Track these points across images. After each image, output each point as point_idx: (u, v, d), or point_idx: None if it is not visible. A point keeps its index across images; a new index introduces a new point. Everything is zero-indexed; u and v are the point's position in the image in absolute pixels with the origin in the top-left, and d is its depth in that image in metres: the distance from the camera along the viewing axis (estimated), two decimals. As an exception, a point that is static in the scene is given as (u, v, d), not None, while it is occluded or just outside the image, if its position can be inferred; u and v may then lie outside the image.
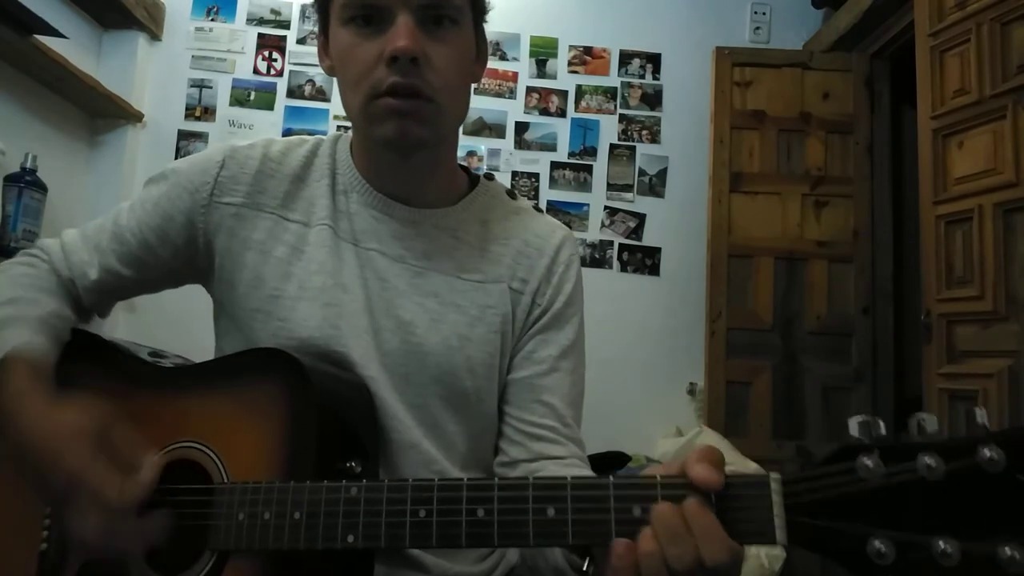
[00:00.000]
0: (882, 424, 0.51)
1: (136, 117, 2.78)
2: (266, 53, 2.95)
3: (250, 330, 0.84)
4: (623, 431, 2.67)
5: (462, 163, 0.98)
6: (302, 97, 2.94)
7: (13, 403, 0.71)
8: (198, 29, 2.95)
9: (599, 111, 3.00)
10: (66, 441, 0.67)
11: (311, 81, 2.94)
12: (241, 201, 0.86)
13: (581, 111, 2.99)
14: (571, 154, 2.97)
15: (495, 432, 0.89)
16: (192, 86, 2.92)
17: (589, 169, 2.96)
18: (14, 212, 2.15)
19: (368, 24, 0.78)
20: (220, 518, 0.68)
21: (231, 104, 2.92)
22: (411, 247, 0.86)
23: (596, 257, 2.91)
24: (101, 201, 2.64)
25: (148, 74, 2.88)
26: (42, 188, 2.24)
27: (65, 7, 2.51)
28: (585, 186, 2.96)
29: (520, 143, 2.96)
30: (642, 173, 2.97)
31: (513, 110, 2.97)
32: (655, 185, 2.97)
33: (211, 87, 2.92)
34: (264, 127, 2.89)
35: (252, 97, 2.93)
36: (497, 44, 2.96)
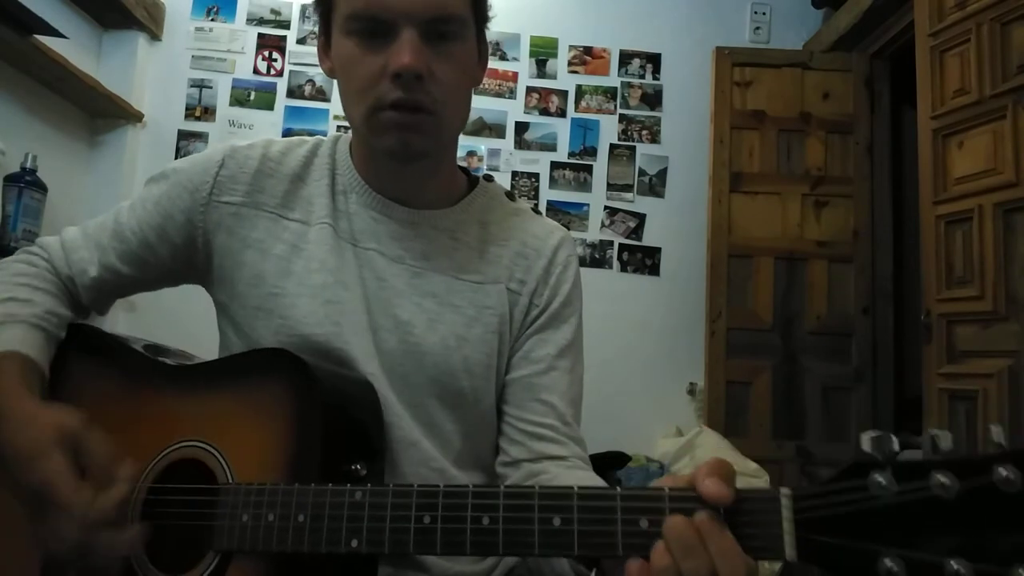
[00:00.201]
0: (895, 440, 0.50)
1: (136, 117, 2.78)
2: (266, 53, 2.95)
3: (251, 328, 0.84)
4: (623, 431, 2.67)
5: (461, 163, 0.99)
6: (302, 97, 2.94)
7: (1, 400, 0.72)
8: (198, 29, 2.95)
9: (599, 111, 3.00)
10: (42, 448, 0.67)
11: (311, 81, 2.94)
12: (240, 200, 0.87)
13: (581, 111, 2.99)
14: (571, 154, 2.97)
15: (493, 431, 0.89)
16: (192, 86, 2.92)
17: (589, 169, 2.96)
18: (14, 212, 2.15)
19: (372, 37, 0.77)
20: (224, 519, 0.68)
21: (231, 104, 2.92)
22: (410, 248, 0.87)
23: (596, 257, 2.91)
24: (101, 201, 2.64)
25: (148, 74, 2.87)
26: (42, 188, 2.24)
27: (65, 7, 2.51)
28: (585, 186, 2.96)
29: (520, 143, 2.96)
30: (642, 173, 2.97)
31: (513, 110, 2.97)
32: (655, 185, 2.97)
33: (211, 87, 2.92)
34: (264, 127, 2.89)
35: (252, 97, 2.93)
36: (497, 44, 2.96)
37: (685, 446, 2.49)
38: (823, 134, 2.77)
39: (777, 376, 2.66)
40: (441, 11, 0.77)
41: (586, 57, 3.02)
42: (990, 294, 1.75)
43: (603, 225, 2.94)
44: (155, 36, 2.89)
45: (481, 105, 2.92)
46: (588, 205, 2.94)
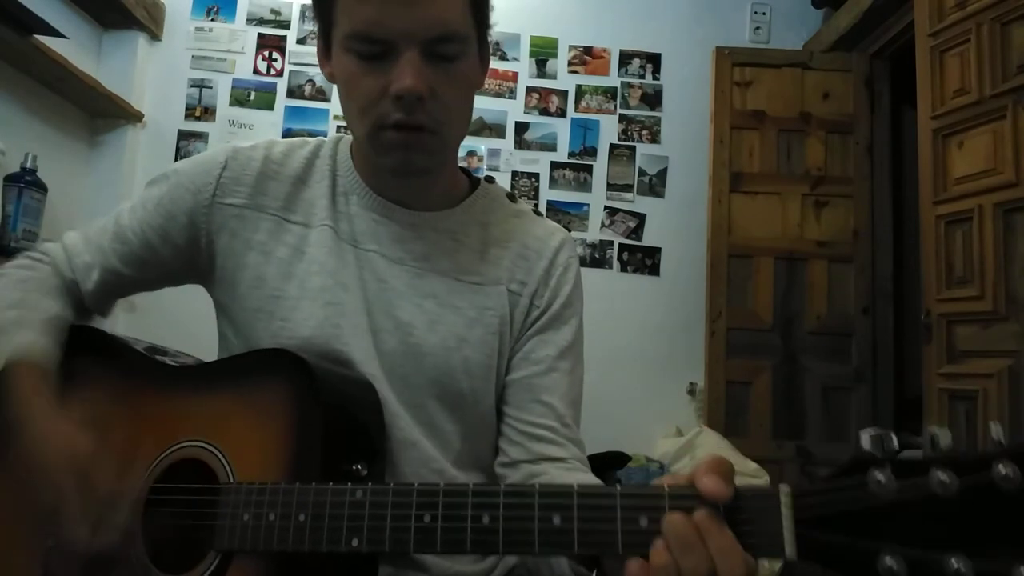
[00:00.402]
0: (895, 437, 0.50)
1: (136, 117, 2.78)
2: (266, 53, 2.95)
3: (251, 330, 0.84)
4: (623, 431, 2.67)
5: (461, 164, 0.99)
6: (302, 97, 2.94)
7: (21, 407, 0.73)
8: (198, 29, 2.95)
9: (599, 111, 3.00)
10: (52, 467, 0.69)
11: (311, 81, 2.94)
12: (243, 202, 0.87)
13: (581, 111, 2.99)
14: (571, 154, 2.97)
15: (492, 432, 0.89)
16: (192, 86, 2.92)
17: (589, 169, 2.96)
18: (14, 212, 2.15)
19: (373, 57, 0.76)
20: (225, 518, 0.68)
21: (231, 104, 2.92)
22: (410, 249, 0.87)
23: (596, 257, 2.91)
24: (101, 201, 2.64)
25: (148, 74, 2.87)
26: (42, 188, 2.24)
27: (65, 7, 2.51)
28: (585, 186, 2.96)
29: (520, 143, 2.96)
30: (642, 173, 2.97)
31: (513, 110, 2.97)
32: (655, 185, 2.97)
33: (211, 87, 2.92)
34: (264, 127, 2.89)
35: (252, 97, 2.93)
36: (497, 44, 2.96)
37: (685, 446, 2.50)
38: (823, 134, 2.77)
39: (777, 376, 2.66)
40: (442, 30, 0.76)
41: (586, 57, 3.02)
42: (990, 294, 1.75)
43: (603, 225, 2.94)
44: (155, 36, 2.89)
45: (481, 105, 2.92)
46: (588, 205, 2.94)
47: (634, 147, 2.98)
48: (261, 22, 2.97)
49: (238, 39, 2.95)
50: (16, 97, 2.28)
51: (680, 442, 2.54)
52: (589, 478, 0.84)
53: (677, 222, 2.93)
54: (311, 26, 2.95)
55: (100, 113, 2.72)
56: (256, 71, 2.94)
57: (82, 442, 0.70)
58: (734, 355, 2.68)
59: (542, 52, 3.01)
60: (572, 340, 0.90)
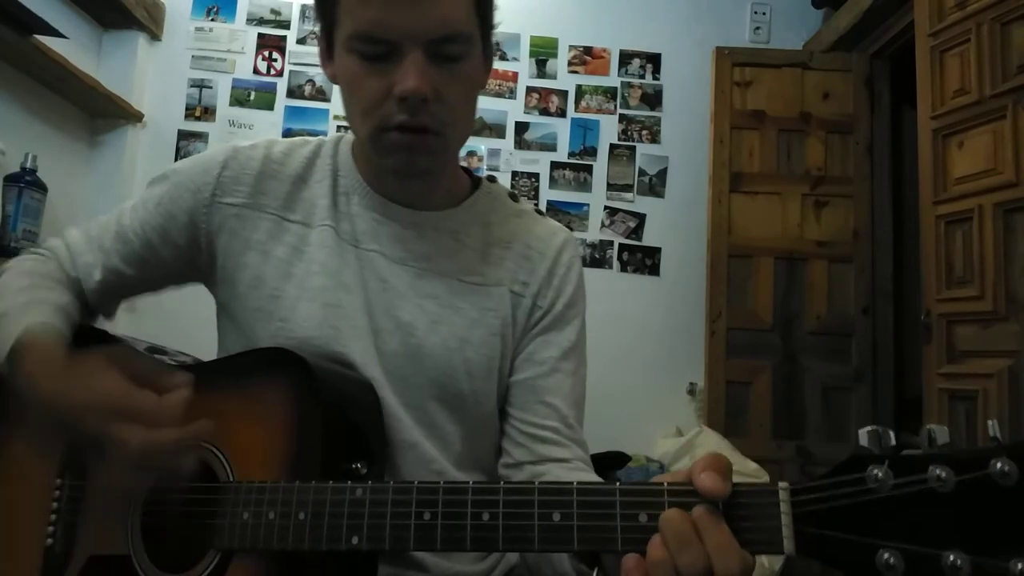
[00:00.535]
0: (892, 434, 0.50)
1: (136, 117, 2.78)
2: (266, 53, 2.95)
3: (251, 330, 0.84)
4: (623, 431, 2.67)
5: (462, 164, 0.98)
6: (302, 97, 2.94)
7: (40, 363, 0.72)
8: (198, 29, 2.95)
9: (599, 111, 3.00)
10: (95, 377, 0.68)
11: (311, 81, 2.94)
12: (243, 202, 0.86)
13: (581, 111, 2.99)
14: (571, 154, 2.97)
15: (494, 433, 0.89)
16: (192, 86, 2.92)
17: (589, 169, 2.96)
18: (14, 212, 2.15)
19: (376, 58, 0.75)
20: (225, 517, 0.68)
21: (231, 104, 2.92)
22: (412, 249, 0.86)
23: (596, 257, 2.91)
24: (101, 201, 2.64)
25: (148, 74, 2.88)
26: (42, 188, 2.24)
27: (65, 7, 2.51)
28: (585, 186, 2.96)
29: (520, 143, 2.96)
30: (642, 173, 2.97)
31: (513, 110, 2.97)
32: (655, 185, 2.97)
33: (211, 87, 2.92)
34: (264, 127, 2.89)
35: (252, 97, 2.93)
36: (497, 44, 2.94)
37: (685, 446, 2.50)
38: (823, 134, 2.77)
39: (777, 376, 2.66)
40: (446, 31, 0.75)
41: (586, 57, 3.02)
42: (990, 294, 1.75)
43: (603, 225, 2.94)
44: (155, 36, 2.89)
45: (481, 105, 2.87)
46: (588, 205, 2.94)
47: (634, 147, 2.98)
48: (261, 22, 2.97)
49: (238, 39, 2.95)
50: (16, 97, 2.28)
51: (680, 442, 2.54)
52: (592, 478, 0.83)
53: (677, 222, 2.93)
54: (311, 26, 2.95)
55: (100, 113, 2.72)
56: (256, 71, 2.94)
57: (110, 348, 0.71)
58: (734, 355, 2.68)
59: (542, 52, 3.01)
60: (575, 341, 0.90)
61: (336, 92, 2.90)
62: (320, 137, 0.94)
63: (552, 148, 2.97)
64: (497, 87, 2.96)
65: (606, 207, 2.95)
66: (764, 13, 3.05)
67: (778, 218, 2.74)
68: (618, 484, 0.57)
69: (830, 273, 2.71)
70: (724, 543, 0.52)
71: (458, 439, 0.85)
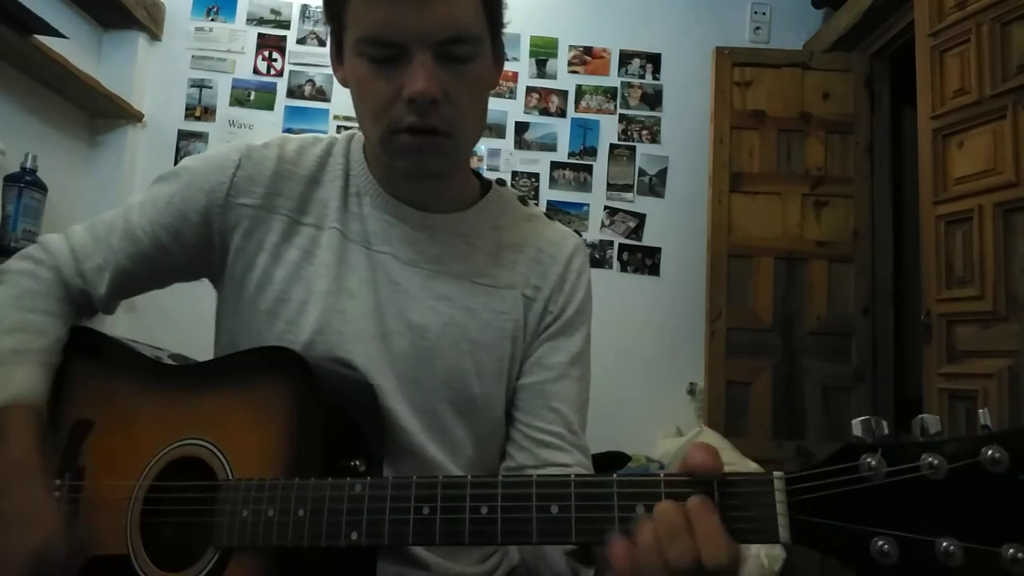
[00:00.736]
0: (885, 424, 0.51)
1: (136, 117, 2.78)
2: (266, 53, 2.95)
3: (256, 331, 0.84)
4: (623, 431, 2.67)
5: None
6: (302, 97, 2.94)
7: (11, 463, 0.73)
8: (198, 29, 2.95)
9: (599, 111, 3.00)
10: (11, 552, 0.68)
11: (311, 81, 2.94)
12: (257, 203, 0.86)
13: (581, 111, 2.99)
14: (571, 154, 2.97)
15: (501, 438, 0.89)
16: (192, 86, 2.92)
17: (589, 169, 2.96)
18: (14, 212, 2.15)
19: (385, 60, 0.75)
20: (224, 515, 0.68)
21: (231, 104, 2.92)
22: (423, 251, 0.86)
23: (596, 257, 2.91)
24: (101, 201, 2.63)
25: (148, 74, 2.88)
26: (42, 188, 2.24)
27: (65, 7, 2.51)
28: (585, 186, 2.96)
29: (520, 143, 2.96)
30: (642, 173, 2.97)
31: (513, 110, 2.97)
32: (655, 185, 2.97)
33: (211, 87, 2.92)
34: (264, 127, 2.89)
35: (252, 97, 2.93)
36: (497, 44, 2.95)
37: (685, 446, 2.49)
38: (823, 134, 2.77)
39: (777, 376, 2.66)
40: (455, 32, 0.75)
41: (586, 57, 3.02)
42: (990, 294, 1.75)
43: (603, 225, 2.94)
44: (155, 36, 2.89)
45: (481, 105, 2.91)
46: (588, 205, 2.94)
47: (634, 147, 2.98)
48: (261, 22, 2.97)
49: (238, 39, 2.95)
50: (16, 97, 2.28)
51: (680, 442, 2.54)
52: None
53: (677, 222, 2.93)
54: (311, 26, 2.95)
55: (100, 113, 2.72)
56: (256, 71, 2.94)
57: (46, 531, 0.70)
58: (734, 355, 2.67)
59: (542, 52, 3.01)
60: (583, 346, 0.90)
61: (336, 92, 2.92)
62: (331, 135, 0.94)
63: (552, 148, 2.97)
64: (497, 87, 2.95)
65: (606, 207, 2.95)
66: (764, 13, 3.05)
67: (778, 218, 2.74)
68: (615, 475, 0.58)
69: (830, 273, 2.71)
70: (713, 533, 0.53)
71: (467, 444, 0.85)
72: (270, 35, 2.96)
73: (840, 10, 2.76)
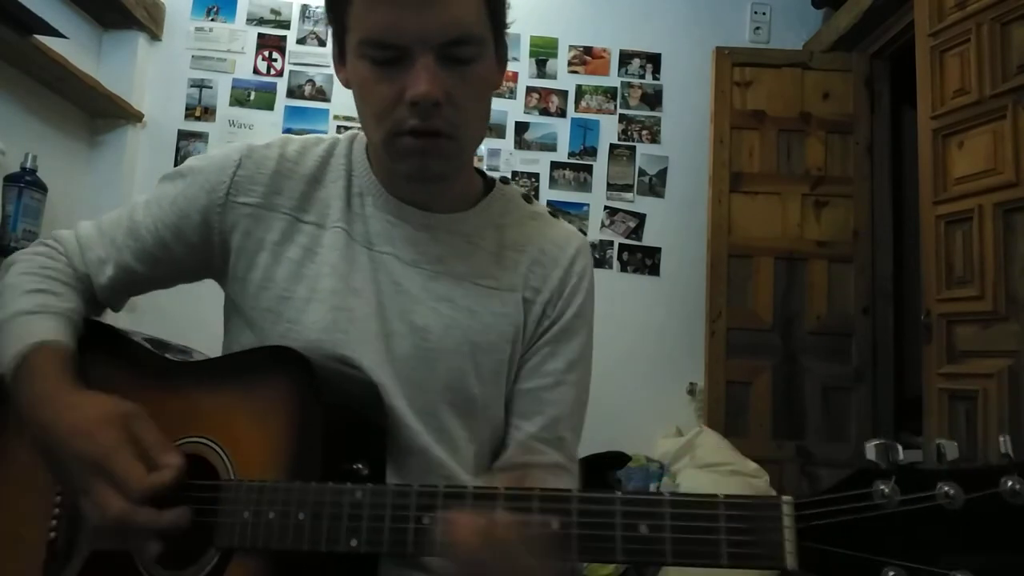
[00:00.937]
0: (900, 449, 0.49)
1: (136, 117, 2.78)
2: (266, 53, 2.95)
3: (260, 330, 0.84)
4: (623, 431, 2.67)
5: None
6: (302, 97, 2.94)
7: (43, 390, 0.74)
8: (198, 29, 2.95)
9: (599, 111, 2.99)
10: (95, 426, 0.69)
11: (311, 81, 2.94)
12: (257, 202, 0.86)
13: (581, 111, 2.99)
14: (571, 154, 2.97)
15: (500, 438, 0.89)
16: (192, 86, 2.92)
17: (589, 169, 2.96)
18: (14, 212, 2.15)
19: (387, 63, 0.75)
20: (226, 515, 0.68)
21: (231, 104, 2.92)
22: (425, 251, 0.86)
23: (596, 257, 2.90)
24: (101, 201, 2.63)
25: (148, 74, 2.87)
26: (42, 188, 2.24)
27: (65, 7, 2.51)
28: (585, 186, 2.96)
29: (520, 143, 2.96)
30: (642, 173, 2.97)
31: (513, 110, 2.97)
32: (655, 185, 2.97)
33: (211, 87, 2.92)
34: (264, 127, 2.88)
35: (252, 97, 2.93)
36: (497, 44, 2.95)
37: (685, 446, 2.49)
38: (823, 134, 2.77)
39: (777, 376, 2.66)
40: (457, 33, 0.74)
41: (586, 57, 3.02)
42: (990, 294, 1.75)
43: (603, 225, 2.94)
44: (155, 36, 2.89)
45: (481, 105, 2.91)
46: (588, 205, 2.94)
47: (634, 147, 2.98)
48: (261, 22, 2.97)
49: (238, 39, 2.95)
50: (16, 97, 2.28)
51: (680, 442, 2.53)
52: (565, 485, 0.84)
53: (677, 222, 2.92)
54: (311, 26, 2.95)
55: (100, 113, 2.72)
56: (256, 71, 2.94)
57: (123, 402, 0.72)
58: (734, 355, 2.67)
59: (542, 52, 3.01)
60: (581, 351, 0.89)
61: (336, 92, 2.91)
62: (334, 135, 0.94)
63: (552, 148, 2.97)
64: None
65: (606, 207, 2.94)
66: (764, 13, 3.05)
67: (778, 218, 2.74)
68: (618, 493, 0.57)
69: (830, 273, 2.71)
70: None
71: (468, 444, 0.85)
72: (270, 35, 2.96)
73: (840, 10, 2.76)
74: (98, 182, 2.71)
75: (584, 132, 2.98)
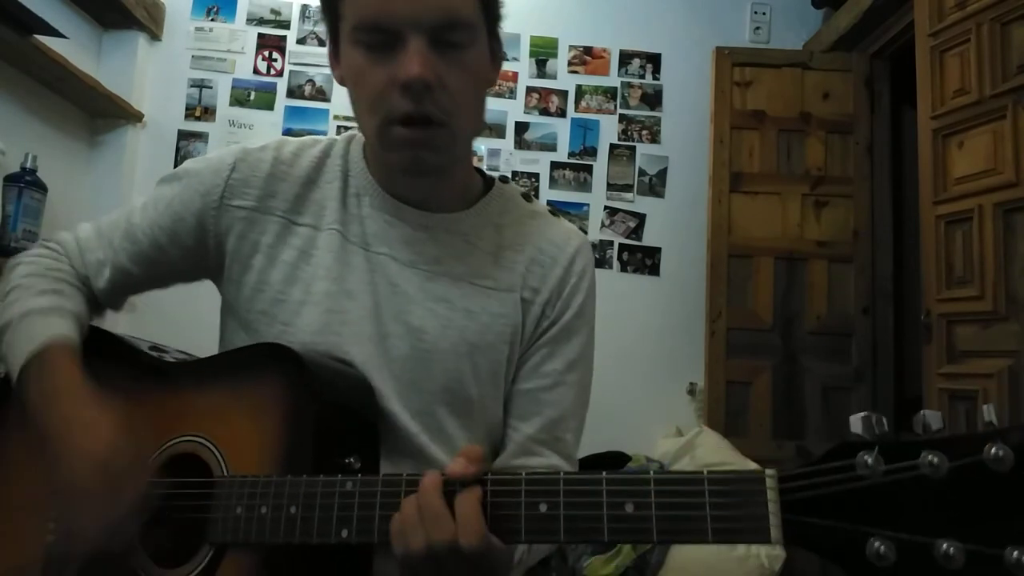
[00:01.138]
0: (885, 420, 0.49)
1: (136, 117, 2.78)
2: (266, 53, 2.95)
3: (254, 332, 0.84)
4: (623, 431, 2.67)
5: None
6: (302, 97, 2.94)
7: (61, 383, 0.75)
8: (198, 29, 2.95)
9: (599, 111, 2.99)
10: (95, 449, 0.71)
11: (311, 81, 2.94)
12: (252, 204, 0.86)
13: (581, 111, 2.99)
14: (571, 154, 2.97)
15: (499, 438, 0.89)
16: (192, 86, 2.92)
17: (589, 169, 2.96)
18: (14, 212, 2.15)
19: (379, 47, 0.75)
20: (218, 511, 0.68)
21: (231, 104, 2.92)
22: (422, 252, 0.85)
23: (596, 257, 2.90)
24: (101, 201, 2.64)
25: (148, 74, 2.87)
26: (42, 188, 2.24)
27: (65, 7, 2.51)
28: (585, 186, 2.96)
29: (520, 143, 2.96)
30: (642, 173, 2.97)
31: (513, 110, 2.97)
32: (655, 185, 2.97)
33: (211, 87, 2.92)
34: (264, 127, 2.89)
35: (252, 97, 2.93)
36: (497, 44, 2.95)
37: (685, 446, 2.49)
38: (823, 134, 2.77)
39: (777, 376, 2.66)
40: (449, 17, 0.75)
41: (586, 57, 3.02)
42: (990, 294, 1.75)
43: (603, 225, 2.94)
44: (155, 36, 2.89)
45: (481, 105, 2.91)
46: (588, 205, 2.94)
47: (634, 147, 2.98)
48: (261, 22, 2.97)
49: (238, 39, 2.95)
50: (16, 97, 2.28)
51: (680, 442, 2.53)
52: None
53: (677, 222, 2.92)
54: (311, 26, 2.95)
55: (100, 113, 2.72)
56: (256, 71, 2.94)
57: (122, 439, 0.72)
58: (734, 355, 2.67)
59: (542, 52, 3.01)
60: (581, 351, 0.89)
61: (336, 92, 2.91)
62: (331, 137, 0.94)
63: (552, 148, 2.97)
64: (497, 87, 2.96)
65: (606, 207, 2.94)
66: (764, 13, 3.05)
67: (778, 218, 2.74)
68: (604, 473, 0.57)
69: (830, 273, 2.71)
70: (471, 518, 0.59)
71: (466, 445, 0.85)
72: (270, 35, 2.96)
73: (840, 10, 2.76)
74: (98, 182, 2.72)
75: (584, 132, 2.98)
